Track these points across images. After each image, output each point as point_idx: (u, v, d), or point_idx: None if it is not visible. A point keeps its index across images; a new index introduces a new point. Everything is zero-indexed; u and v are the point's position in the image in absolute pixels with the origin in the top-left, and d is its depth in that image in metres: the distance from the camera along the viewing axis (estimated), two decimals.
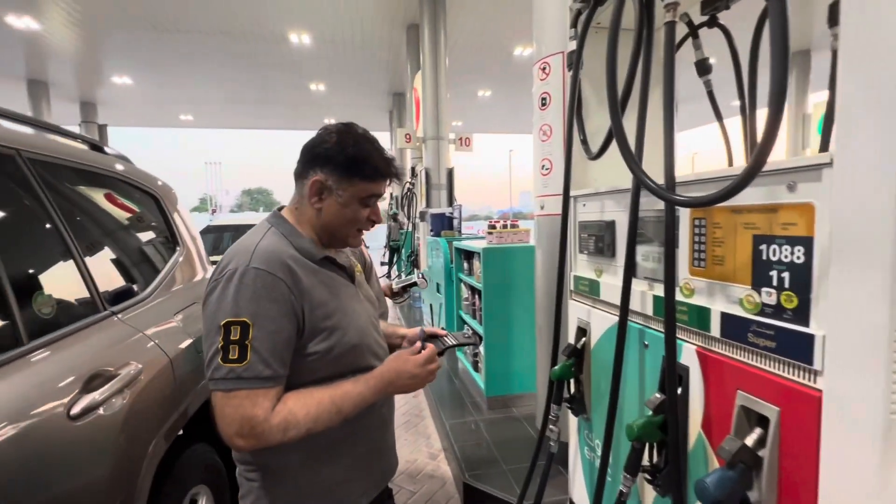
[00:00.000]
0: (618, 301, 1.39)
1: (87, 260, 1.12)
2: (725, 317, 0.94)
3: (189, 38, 8.81)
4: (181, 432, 1.31)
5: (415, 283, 2.02)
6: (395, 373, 0.92)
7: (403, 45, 8.61)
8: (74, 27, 8.35)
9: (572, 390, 1.65)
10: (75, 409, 0.86)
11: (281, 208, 0.98)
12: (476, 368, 3.28)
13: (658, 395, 1.10)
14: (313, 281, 0.88)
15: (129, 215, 1.53)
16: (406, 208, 8.12)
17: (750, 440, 0.84)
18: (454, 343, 1.13)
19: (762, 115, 0.87)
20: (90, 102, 13.57)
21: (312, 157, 0.92)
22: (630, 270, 1.23)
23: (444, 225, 5.20)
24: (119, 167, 1.53)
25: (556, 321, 1.64)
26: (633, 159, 1.04)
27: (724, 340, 0.95)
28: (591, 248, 1.51)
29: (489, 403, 2.99)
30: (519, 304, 2.97)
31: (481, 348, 3.09)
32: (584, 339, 1.57)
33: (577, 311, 1.63)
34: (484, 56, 9.96)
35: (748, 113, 1.47)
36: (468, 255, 3.49)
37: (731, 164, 1.55)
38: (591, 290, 1.53)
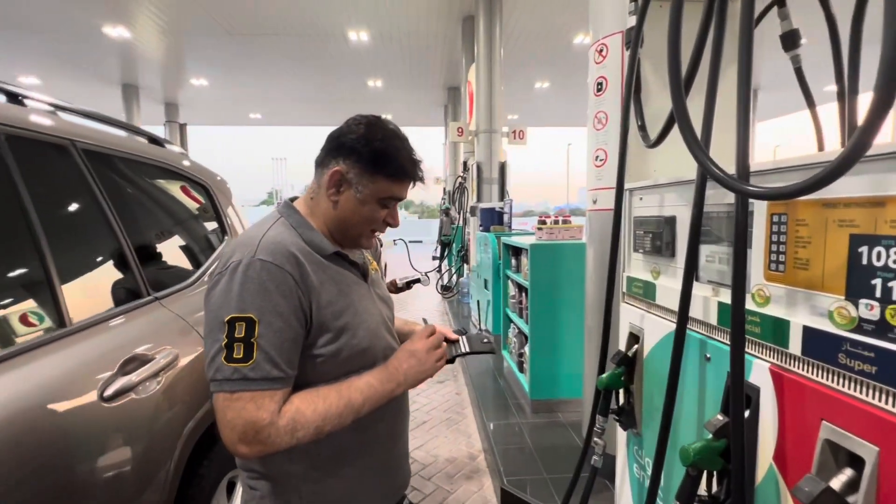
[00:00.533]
0: (674, 306, 1.24)
1: (134, 247, 1.17)
2: (809, 332, 0.79)
3: (258, 40, 9.31)
4: None
5: (418, 280, 2.11)
6: (397, 359, 0.86)
7: (459, 38, 8.54)
8: (161, 34, 9.11)
9: (621, 401, 1.51)
10: (108, 391, 0.89)
11: (294, 199, 0.92)
12: (521, 369, 3.16)
13: (721, 417, 0.95)
14: (322, 277, 0.82)
15: (182, 205, 1.59)
16: (457, 203, 8.08)
17: (837, 483, 0.69)
18: (466, 351, 1.03)
19: (863, 101, 0.71)
20: (173, 103, 14.81)
21: (337, 146, 0.85)
22: (691, 273, 1.08)
23: (493, 220, 5.08)
24: (174, 160, 1.60)
25: (605, 325, 1.51)
26: (695, 142, 0.91)
27: (807, 359, 0.80)
28: (648, 246, 1.36)
29: (533, 406, 2.87)
30: (568, 304, 2.81)
31: (526, 349, 2.97)
32: (636, 346, 1.43)
33: (629, 315, 1.49)
34: (542, 46, 9.64)
35: (847, 97, 1.25)
36: (516, 251, 3.37)
37: (821, 149, 1.33)
38: (645, 292, 1.39)
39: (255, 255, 0.75)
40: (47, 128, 1.01)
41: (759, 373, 0.91)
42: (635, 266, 1.48)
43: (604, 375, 1.44)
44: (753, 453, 0.91)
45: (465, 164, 7.74)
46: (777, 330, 0.88)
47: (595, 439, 1.48)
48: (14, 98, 1.02)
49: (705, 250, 1.12)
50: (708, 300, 1.10)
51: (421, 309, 6.98)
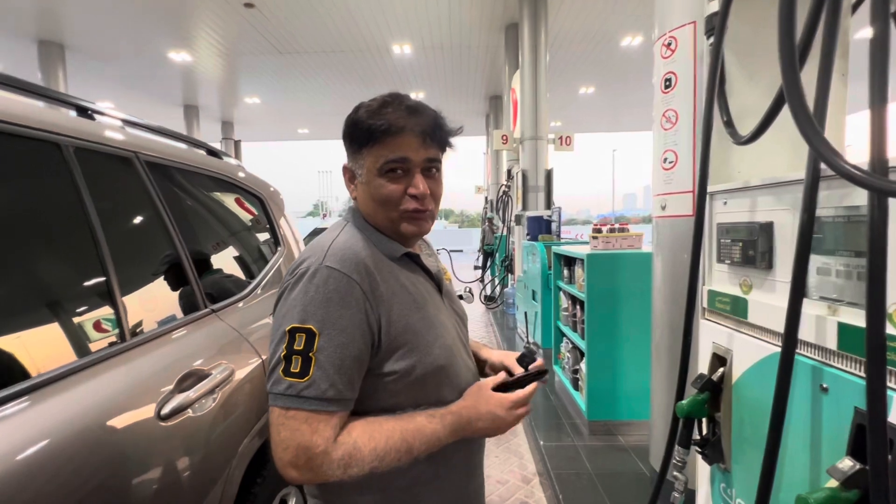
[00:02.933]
0: (773, 325, 1.08)
1: (192, 257, 1.15)
2: None
3: (305, 57, 9.70)
4: None
5: (461, 297, 1.79)
6: (474, 411, 0.75)
7: (501, 46, 8.49)
8: (219, 57, 9.70)
9: (704, 431, 1.34)
10: (165, 410, 0.86)
11: (350, 205, 0.85)
12: (576, 387, 2.98)
13: (851, 463, 0.79)
14: (395, 286, 0.75)
15: (237, 216, 1.60)
16: (501, 212, 7.95)
17: None
18: (513, 381, 0.82)
19: None
20: (229, 122, 15.70)
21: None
22: (801, 288, 0.93)
23: (541, 229, 4.93)
24: (229, 171, 1.61)
25: (684, 345, 1.36)
26: (814, 130, 0.76)
27: None
28: (737, 256, 1.20)
29: (591, 428, 2.68)
30: (628, 318, 2.62)
31: (582, 365, 2.79)
32: (722, 369, 1.27)
33: (711, 333, 1.33)
34: (587, 50, 9.41)
35: None
36: (569, 261, 3.21)
37: None
38: (734, 309, 1.23)
39: (322, 262, 0.70)
40: (112, 140, 1.02)
41: None
42: (719, 279, 1.32)
43: (684, 402, 1.29)
44: None
45: (508, 172, 7.63)
46: None
47: (675, 473, 1.32)
48: (84, 112, 1.04)
49: (814, 262, 0.96)
50: (823, 320, 0.94)
51: None
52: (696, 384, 1.30)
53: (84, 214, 0.87)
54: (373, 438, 0.68)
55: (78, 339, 0.83)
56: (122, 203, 1.04)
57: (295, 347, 0.66)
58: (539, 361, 0.87)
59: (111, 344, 0.86)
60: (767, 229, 1.10)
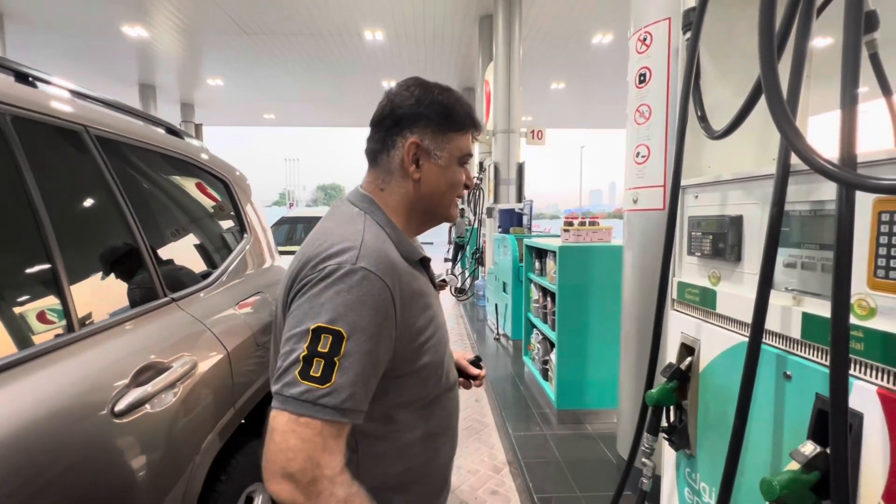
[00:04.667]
0: (740, 316, 1.12)
1: (151, 243, 1.07)
2: None
3: (273, 39, 9.33)
4: (239, 426, 1.24)
5: (444, 282, 1.81)
6: None
7: (476, 37, 8.45)
8: (178, 34, 9.17)
9: (671, 418, 1.39)
10: (120, 406, 0.79)
11: (360, 193, 0.80)
12: (545, 377, 3.03)
13: (812, 447, 0.83)
14: (412, 290, 0.72)
15: (198, 201, 1.51)
16: (472, 204, 7.97)
17: None
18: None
19: None
20: (189, 104, 14.94)
21: (397, 121, 0.76)
22: (768, 279, 0.96)
23: (512, 221, 4.96)
24: (192, 152, 1.51)
25: (654, 336, 1.39)
26: (789, 122, 0.78)
27: None
28: (707, 249, 1.23)
29: (559, 417, 2.74)
30: (598, 309, 2.68)
31: (552, 356, 2.84)
32: (690, 358, 1.31)
33: (680, 324, 1.37)
34: (559, 45, 9.51)
35: None
36: (540, 253, 3.25)
37: None
38: (702, 300, 1.26)
39: (357, 262, 0.65)
40: (58, 111, 0.92)
41: (861, 396, 0.79)
42: (689, 271, 1.36)
43: (654, 390, 1.32)
44: (856, 491, 0.79)
45: (480, 164, 7.63)
46: (889, 347, 0.75)
47: (643, 460, 1.36)
48: (24, 79, 0.93)
49: (781, 254, 1.00)
50: (788, 310, 0.97)
51: None
52: (664, 373, 1.34)
53: (25, 193, 0.78)
54: None
55: (19, 332, 0.75)
56: (70, 181, 0.95)
57: (319, 349, 0.61)
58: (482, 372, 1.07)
59: (57, 336, 0.79)
60: (737, 222, 1.13)
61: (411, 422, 0.75)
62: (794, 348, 0.96)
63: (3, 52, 8.36)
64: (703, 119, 1.23)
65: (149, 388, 0.88)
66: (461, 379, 1.03)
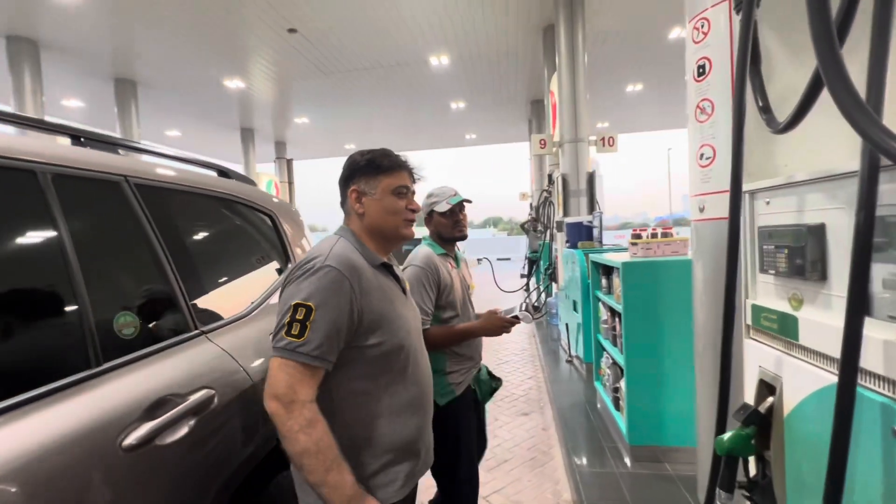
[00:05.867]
0: (830, 350, 0.89)
1: (183, 276, 1.14)
2: None
3: (348, 76, 10.02)
4: (268, 457, 1.24)
5: (517, 318, 1.61)
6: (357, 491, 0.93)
7: (540, 49, 8.30)
8: (269, 82, 10.28)
9: (752, 471, 1.14)
10: (129, 440, 0.82)
11: (340, 226, 1.16)
12: (617, 407, 2.74)
13: None
14: (374, 284, 1.04)
15: (238, 232, 1.59)
16: (544, 218, 7.70)
17: None
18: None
19: None
20: (281, 142, 16.54)
21: (346, 178, 1.13)
22: (861, 304, 0.74)
23: (582, 235, 4.68)
24: (237, 190, 1.61)
25: (723, 368, 1.16)
26: (858, 105, 0.60)
27: None
28: (783, 266, 1.01)
29: (633, 453, 2.44)
30: (672, 332, 2.37)
31: (622, 383, 2.56)
32: (771, 399, 1.07)
33: (758, 355, 1.13)
34: (632, 46, 8.98)
35: None
36: (607, 269, 2.99)
37: None
38: (782, 328, 1.03)
39: (325, 261, 0.98)
40: (97, 164, 1.02)
41: None
42: (764, 292, 1.13)
43: (725, 437, 1.10)
44: None
45: (549, 176, 7.38)
46: None
47: None
48: (77, 139, 1.05)
49: (879, 272, 0.77)
50: (893, 345, 0.74)
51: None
52: (739, 416, 1.11)
53: (56, 232, 0.86)
54: (325, 435, 0.90)
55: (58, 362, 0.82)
56: (103, 221, 1.04)
57: (296, 317, 0.92)
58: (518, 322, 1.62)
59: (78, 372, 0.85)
60: (818, 233, 0.91)
61: (375, 392, 1.02)
62: None
63: (137, 111, 9.99)
64: (765, 110, 1.03)
65: (163, 420, 0.91)
66: (508, 317, 1.62)
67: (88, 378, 0.83)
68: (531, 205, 12.32)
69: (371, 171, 1.10)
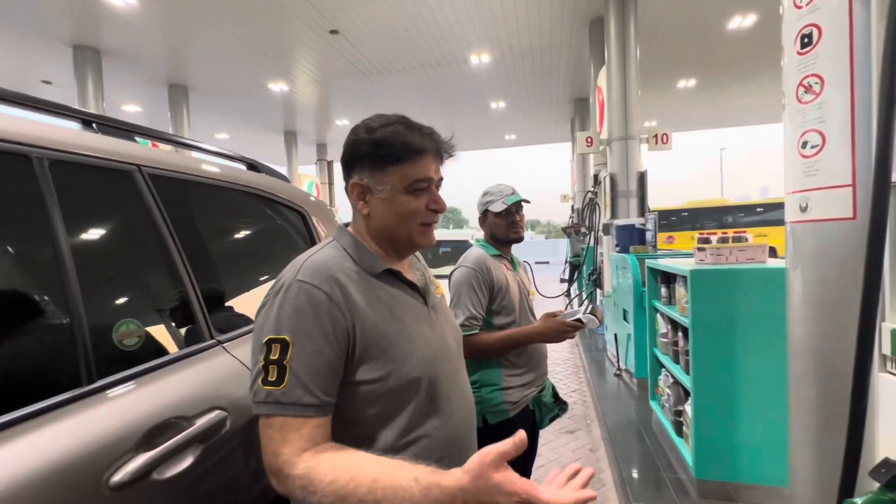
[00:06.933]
0: None
1: (199, 277, 1.01)
2: None
3: (387, 77, 10.06)
4: None
5: (580, 321, 1.44)
6: (472, 497, 0.62)
7: (586, 44, 7.94)
8: (312, 85, 10.49)
9: None
10: (118, 476, 0.69)
11: (348, 224, 0.90)
12: (679, 432, 2.45)
13: None
14: (370, 297, 0.79)
15: (266, 231, 1.47)
16: (588, 220, 7.34)
17: None
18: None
19: None
20: (323, 144, 16.93)
21: (345, 166, 0.85)
22: None
23: (633, 239, 4.36)
24: (268, 185, 1.50)
25: (854, 411, 0.91)
26: None
27: None
28: None
29: (700, 489, 2.14)
30: (750, 350, 2.06)
31: (687, 407, 2.27)
32: None
33: None
34: (685, 39, 8.44)
35: None
36: (668, 277, 2.70)
37: None
38: None
39: (295, 277, 0.75)
40: (106, 151, 0.91)
41: None
42: None
43: (860, 500, 0.84)
44: None
45: (595, 177, 7.02)
46: None
47: None
48: (87, 123, 0.95)
49: None
50: None
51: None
52: (878, 475, 0.85)
53: (51, 228, 0.75)
54: (335, 471, 0.65)
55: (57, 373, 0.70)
56: (109, 214, 0.93)
57: (271, 357, 0.70)
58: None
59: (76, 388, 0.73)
60: None
61: (385, 441, 0.76)
62: None
63: (188, 115, 10.45)
64: None
65: (163, 449, 0.77)
66: (570, 320, 1.43)
67: (75, 399, 0.70)
68: (573, 207, 11.87)
69: (378, 160, 0.79)
